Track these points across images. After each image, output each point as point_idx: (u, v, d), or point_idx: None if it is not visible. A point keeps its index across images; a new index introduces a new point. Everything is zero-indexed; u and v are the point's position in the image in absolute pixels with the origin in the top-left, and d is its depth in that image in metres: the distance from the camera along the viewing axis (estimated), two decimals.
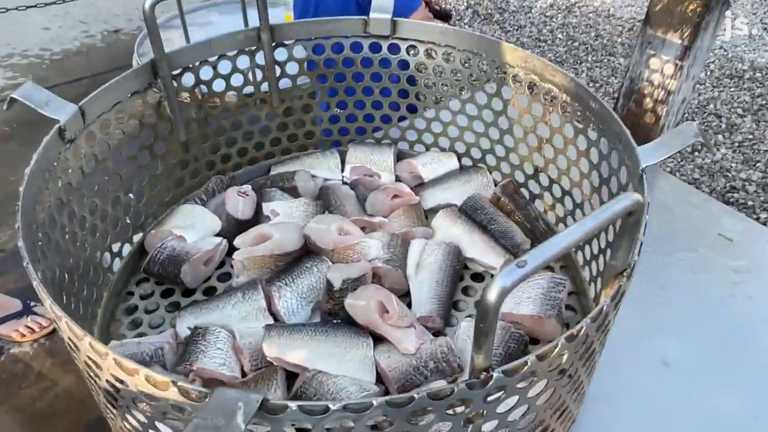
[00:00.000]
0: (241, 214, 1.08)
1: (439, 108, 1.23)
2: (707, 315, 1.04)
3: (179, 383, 0.52)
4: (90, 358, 0.59)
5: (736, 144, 3.24)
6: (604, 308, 0.60)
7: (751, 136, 3.30)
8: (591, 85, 3.71)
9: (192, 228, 1.07)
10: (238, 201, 1.09)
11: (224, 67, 1.13)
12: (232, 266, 1.05)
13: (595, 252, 0.98)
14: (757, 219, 2.76)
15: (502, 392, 0.57)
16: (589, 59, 3.99)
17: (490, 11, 4.49)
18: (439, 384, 0.84)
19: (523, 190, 1.16)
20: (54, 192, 0.85)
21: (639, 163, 0.77)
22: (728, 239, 1.18)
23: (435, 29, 1.12)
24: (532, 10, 4.53)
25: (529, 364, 0.55)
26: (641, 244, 0.65)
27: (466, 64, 1.13)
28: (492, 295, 0.49)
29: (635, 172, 0.78)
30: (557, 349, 0.57)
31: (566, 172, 1.05)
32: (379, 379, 0.86)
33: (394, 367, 0.85)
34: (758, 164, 3.10)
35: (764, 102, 3.55)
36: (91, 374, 0.63)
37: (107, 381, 0.60)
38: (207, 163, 1.20)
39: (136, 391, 0.57)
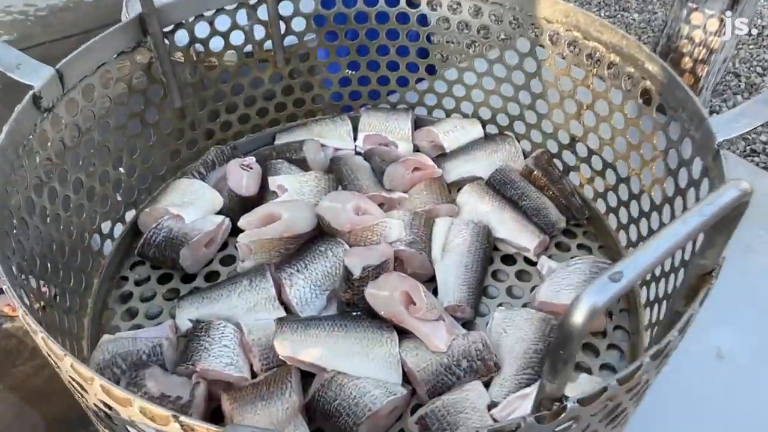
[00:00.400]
0: (245, 189, 0.97)
1: (463, 69, 1.11)
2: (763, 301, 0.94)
3: (182, 419, 0.42)
4: (74, 380, 0.49)
5: None
6: (691, 317, 0.50)
7: None
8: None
9: (191, 205, 0.96)
10: (242, 175, 0.97)
11: (222, 22, 0.99)
12: (236, 248, 0.94)
13: (644, 233, 0.87)
14: None
15: (573, 422, 0.47)
16: (601, 14, 3.81)
17: None
18: (475, 386, 0.75)
19: (555, 161, 1.05)
20: (31, 170, 0.74)
21: (713, 136, 0.66)
22: None
23: None
24: None
25: (608, 390, 0.45)
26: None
27: (496, 20, 1.00)
28: (579, 317, 0.38)
29: (707, 147, 0.67)
30: (641, 369, 0.47)
31: (610, 143, 0.93)
32: (405, 379, 0.77)
33: (423, 366, 0.76)
34: None
35: None
36: (77, 393, 0.53)
37: (95, 405, 0.50)
38: (205, 131, 1.08)
39: (130, 421, 0.47)
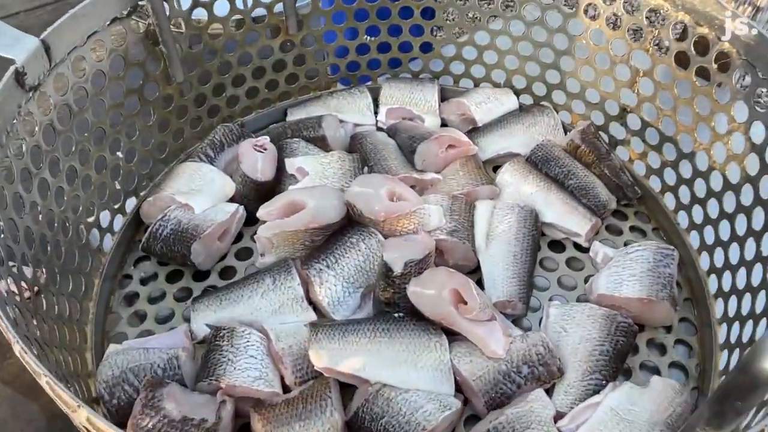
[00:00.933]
0: (260, 174, 0.86)
1: (496, 32, 0.99)
2: None
3: None
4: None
5: None
6: None
7: None
8: None
9: (199, 193, 0.85)
10: (256, 158, 0.86)
11: None
12: (252, 240, 0.84)
13: (713, 215, 0.78)
14: None
15: None
16: None
17: None
18: (539, 395, 0.66)
19: (602, 134, 0.95)
20: (17, 160, 0.63)
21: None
22: None
23: None
24: None
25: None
26: None
27: None
28: None
29: None
30: None
31: (671, 114, 0.83)
32: (457, 388, 0.68)
33: (480, 374, 0.67)
34: None
35: None
36: None
37: None
38: (210, 108, 0.96)
39: None
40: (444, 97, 1.04)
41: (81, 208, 0.76)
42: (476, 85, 1.06)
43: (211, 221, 0.82)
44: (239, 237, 0.88)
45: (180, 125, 0.93)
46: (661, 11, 0.78)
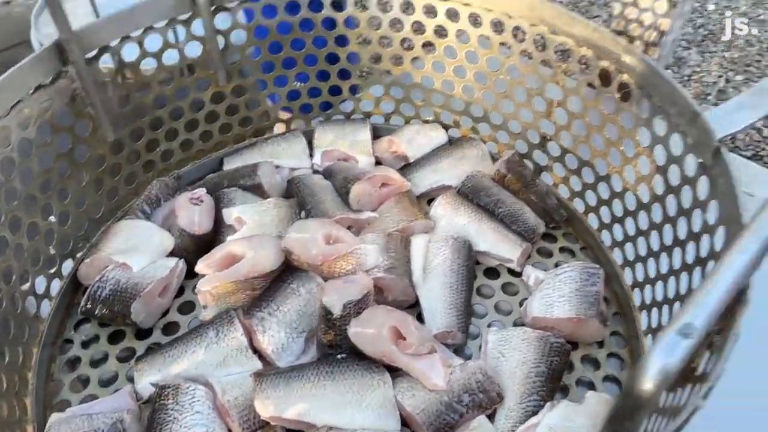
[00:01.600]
0: (197, 227, 0.87)
1: (420, 71, 1.04)
2: None
3: None
4: None
5: (686, 78, 3.19)
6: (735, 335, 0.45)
7: (698, 69, 3.25)
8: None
9: (137, 250, 0.86)
10: (193, 211, 0.87)
11: (153, 42, 0.89)
12: (194, 292, 0.85)
13: (631, 233, 0.83)
14: None
15: None
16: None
17: None
18: (482, 422, 0.68)
19: (526, 161, 1.00)
20: None
21: (711, 132, 0.61)
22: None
23: None
24: None
25: None
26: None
27: (453, 17, 0.94)
28: (648, 383, 0.32)
29: (705, 144, 0.63)
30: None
31: (585, 140, 0.88)
32: (404, 423, 0.70)
33: (423, 407, 0.69)
34: (709, 97, 3.06)
35: (706, 33, 3.51)
36: None
37: None
38: (145, 164, 0.97)
39: None
40: (377, 135, 1.08)
41: (14, 277, 0.75)
42: (407, 122, 1.10)
43: (151, 278, 0.82)
44: (181, 291, 0.88)
45: (114, 183, 0.93)
46: (567, 47, 0.83)
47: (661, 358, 0.32)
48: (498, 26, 0.90)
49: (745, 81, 3.16)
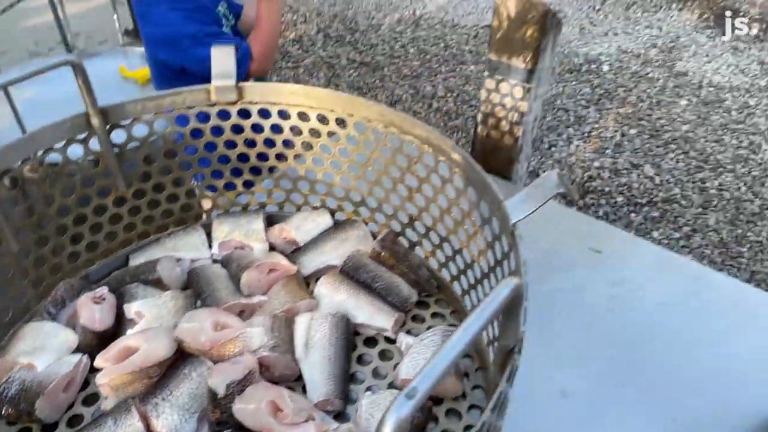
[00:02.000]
0: (98, 324, 0.96)
1: (303, 165, 1.18)
2: (595, 337, 1.07)
3: None
4: None
5: (585, 134, 3.50)
6: (502, 394, 0.58)
7: (597, 125, 3.57)
8: (448, 94, 3.84)
9: (42, 350, 0.93)
10: (94, 310, 0.96)
11: (53, 158, 0.99)
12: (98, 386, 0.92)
13: (482, 297, 0.97)
14: (615, 203, 2.99)
15: None
16: (443, 69, 4.14)
17: (341, 33, 4.51)
18: None
19: (401, 239, 1.14)
20: None
21: (508, 218, 0.76)
22: (598, 251, 1.23)
23: (284, 89, 1.07)
24: (382, 28, 4.61)
25: None
26: (526, 311, 0.63)
27: (324, 121, 1.09)
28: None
29: (506, 227, 0.78)
30: None
31: (440, 220, 1.03)
32: None
33: None
34: (607, 151, 3.36)
35: (602, 92, 3.87)
36: None
37: None
38: (51, 267, 1.06)
39: None
40: (271, 222, 1.20)
41: None
42: (298, 210, 1.23)
43: (55, 375, 0.90)
44: (86, 384, 0.96)
45: (22, 288, 1.01)
46: (414, 144, 0.99)
47: (394, 413, 0.44)
48: (359, 127, 1.06)
49: (639, 134, 3.49)
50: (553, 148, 3.35)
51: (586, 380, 1.00)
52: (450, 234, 1.03)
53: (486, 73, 1.48)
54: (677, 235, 2.81)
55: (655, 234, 2.80)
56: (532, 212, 0.74)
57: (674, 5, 5.02)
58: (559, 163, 3.25)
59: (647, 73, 4.08)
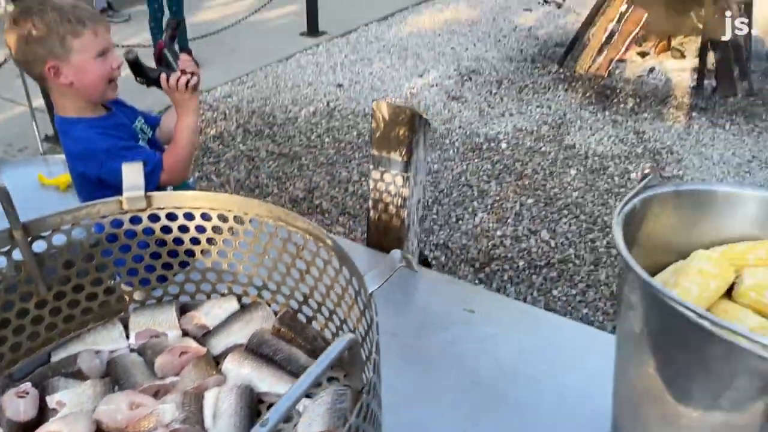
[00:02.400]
0: (23, 415, 1.07)
1: (211, 258, 1.35)
2: (463, 382, 1.26)
3: None
4: None
5: (488, 206, 3.83)
6: (351, 426, 0.75)
7: (498, 197, 3.92)
8: (362, 178, 4.12)
9: None
10: (18, 403, 1.07)
11: None
12: None
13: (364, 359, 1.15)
14: (517, 267, 3.27)
15: None
16: (357, 156, 4.45)
17: (260, 127, 4.78)
18: None
19: (300, 315, 1.31)
20: None
21: (367, 289, 0.96)
22: (471, 311, 1.44)
23: (187, 196, 1.26)
24: (298, 120, 4.93)
25: None
26: (375, 362, 0.82)
27: (224, 219, 1.28)
28: None
29: (367, 296, 0.97)
30: None
31: (327, 296, 1.22)
32: None
33: None
34: (508, 220, 3.69)
35: (502, 167, 4.26)
36: None
37: None
38: None
39: None
40: (184, 311, 1.35)
41: None
42: (208, 297, 1.39)
43: None
44: None
45: None
46: (299, 235, 1.19)
47: None
48: (254, 223, 1.25)
49: (535, 203, 3.85)
50: (460, 222, 3.65)
51: (456, 418, 1.18)
52: (336, 307, 1.21)
53: (371, 166, 1.72)
54: (574, 291, 3.10)
55: (555, 292, 3.09)
56: (383, 283, 0.94)
57: (561, 86, 5.63)
58: (466, 234, 3.54)
59: (540, 148, 4.53)
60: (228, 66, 5.82)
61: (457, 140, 4.62)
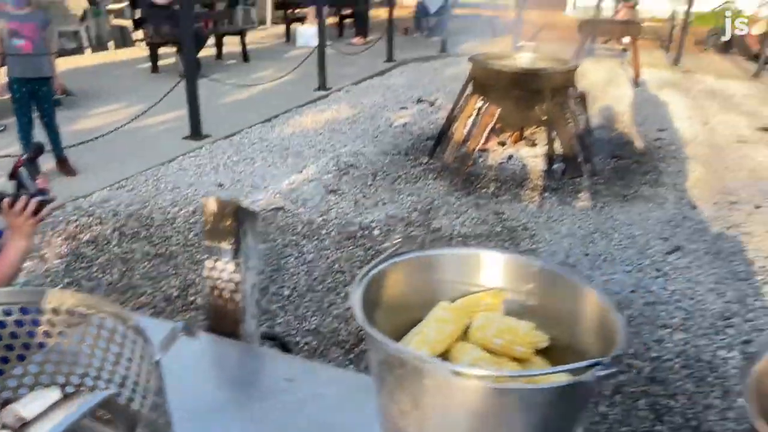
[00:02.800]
0: None
1: (32, 351, 1.43)
2: None
3: None
4: None
5: None
6: None
7: None
8: None
9: None
10: None
11: None
12: None
13: None
14: None
15: None
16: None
17: (136, 229, 4.81)
18: None
19: (120, 397, 1.41)
20: None
21: (153, 355, 1.10)
22: (290, 380, 1.59)
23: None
24: (177, 220, 5.01)
25: None
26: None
27: (40, 312, 1.38)
28: None
29: (151, 361, 1.11)
30: None
31: (138, 373, 1.34)
32: None
33: None
34: None
35: (374, 252, 4.53)
36: None
37: None
38: None
39: None
40: (6, 405, 1.40)
41: None
42: (31, 390, 1.45)
43: None
44: None
45: None
46: (107, 317, 1.32)
47: None
48: (71, 312, 1.36)
49: None
50: (332, 306, 3.81)
51: None
52: (146, 383, 1.33)
53: (205, 256, 1.88)
54: None
55: None
56: (161, 356, 1.09)
57: (430, 176, 6.13)
58: (337, 318, 3.70)
59: (410, 232, 4.87)
60: (107, 172, 5.86)
61: (333, 230, 4.87)
